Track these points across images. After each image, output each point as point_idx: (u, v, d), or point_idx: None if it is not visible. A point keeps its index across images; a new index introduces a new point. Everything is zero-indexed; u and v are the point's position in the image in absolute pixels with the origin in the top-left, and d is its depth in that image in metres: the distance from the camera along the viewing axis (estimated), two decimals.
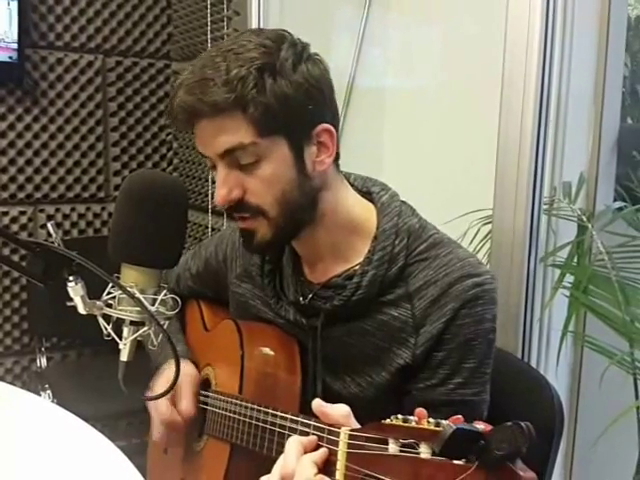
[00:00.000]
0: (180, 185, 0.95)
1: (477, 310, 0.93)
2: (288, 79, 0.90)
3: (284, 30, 0.96)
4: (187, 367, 1.12)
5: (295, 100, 0.90)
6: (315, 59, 0.95)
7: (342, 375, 1.00)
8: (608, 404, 1.35)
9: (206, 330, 1.23)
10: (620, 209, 1.55)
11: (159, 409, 1.10)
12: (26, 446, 0.94)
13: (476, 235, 1.56)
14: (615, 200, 1.63)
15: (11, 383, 1.17)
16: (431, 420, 0.62)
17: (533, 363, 1.38)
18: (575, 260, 1.45)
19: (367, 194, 1.04)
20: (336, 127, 0.96)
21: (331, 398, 0.98)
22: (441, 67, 1.84)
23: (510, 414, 1.02)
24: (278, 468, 0.75)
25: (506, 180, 1.44)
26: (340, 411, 0.75)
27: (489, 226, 1.54)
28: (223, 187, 0.93)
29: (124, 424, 2.09)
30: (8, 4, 2.33)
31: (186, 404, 1.09)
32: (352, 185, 1.04)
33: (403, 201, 1.04)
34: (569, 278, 1.43)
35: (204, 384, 1.14)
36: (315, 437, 0.78)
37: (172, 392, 1.10)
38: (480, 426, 0.58)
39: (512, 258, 1.37)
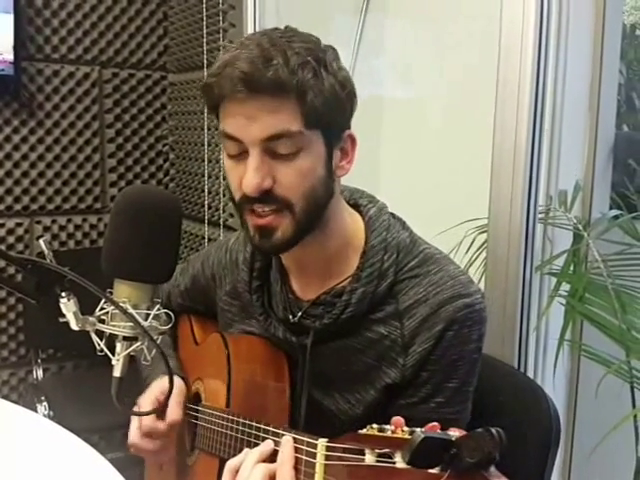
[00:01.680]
0: (174, 199, 0.94)
1: (464, 331, 0.92)
2: (336, 77, 0.89)
3: None
4: (176, 381, 1.10)
5: (341, 98, 0.89)
6: (339, 62, 0.93)
7: (332, 392, 0.99)
8: (605, 413, 1.35)
9: (196, 344, 1.22)
10: (616, 217, 1.55)
11: (142, 418, 1.08)
12: (18, 463, 0.93)
13: (472, 244, 1.56)
14: (611, 208, 1.63)
15: (7, 395, 1.17)
16: (406, 429, 0.62)
17: (530, 373, 1.37)
18: (571, 268, 1.44)
19: (355, 206, 1.02)
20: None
21: (321, 414, 0.99)
22: (437, 76, 1.84)
23: (506, 425, 1.01)
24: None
25: (501, 189, 1.44)
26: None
27: (485, 235, 1.54)
28: (257, 175, 0.87)
29: (120, 435, 2.09)
30: (4, 16, 2.34)
31: (170, 410, 1.07)
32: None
33: (392, 214, 1.02)
34: (565, 287, 1.43)
35: (195, 398, 1.13)
36: (270, 442, 0.81)
37: (161, 396, 1.10)
38: (454, 433, 0.58)
39: (508, 267, 1.37)
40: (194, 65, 2.57)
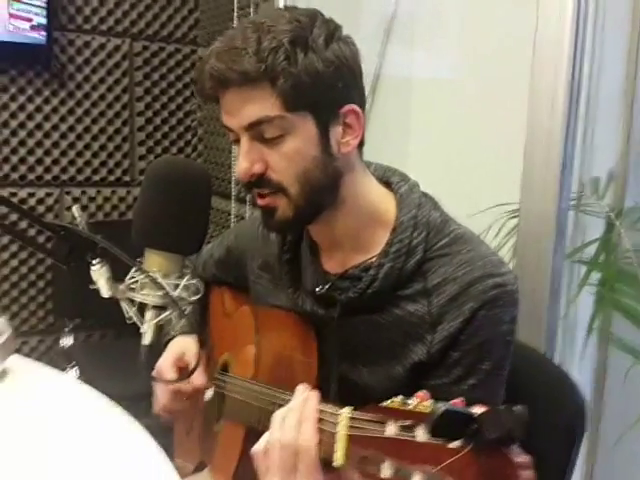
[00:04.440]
0: (204, 172, 0.94)
1: (496, 312, 0.91)
2: (320, 55, 0.88)
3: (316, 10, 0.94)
4: (194, 349, 1.15)
5: (325, 76, 0.88)
6: (347, 40, 0.93)
7: (358, 365, 0.99)
8: (632, 403, 1.33)
9: (227, 316, 1.24)
10: None
11: (165, 377, 1.12)
12: (51, 422, 0.95)
13: (501, 229, 1.54)
14: None
15: (36, 361, 1.18)
16: (427, 404, 0.61)
17: (556, 360, 1.36)
18: (602, 257, 1.42)
19: (387, 184, 1.01)
20: (363, 110, 0.94)
21: (347, 387, 0.98)
22: (470, 57, 1.81)
23: (531, 411, 1.01)
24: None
25: (534, 173, 1.42)
26: None
27: (514, 220, 1.52)
28: (245, 160, 0.91)
29: (147, 404, 2.12)
30: None
31: (195, 376, 1.11)
32: (372, 174, 1.02)
33: (424, 193, 1.01)
34: (596, 275, 1.41)
35: (223, 369, 1.15)
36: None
37: (183, 363, 1.13)
38: (476, 410, 0.57)
39: (538, 253, 1.35)
40: None
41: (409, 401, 0.64)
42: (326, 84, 0.89)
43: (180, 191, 0.85)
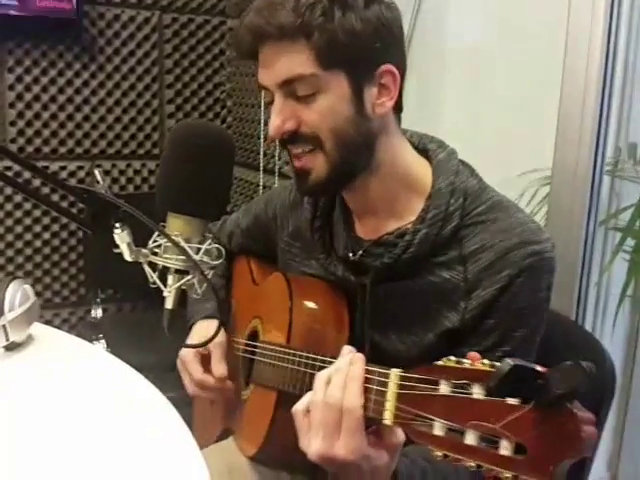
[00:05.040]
0: (226, 134, 0.93)
1: (534, 279, 0.89)
2: (358, 14, 0.87)
3: None
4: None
5: (362, 36, 0.88)
6: (389, 4, 0.92)
7: (388, 332, 0.98)
8: None
9: (254, 284, 1.23)
10: None
11: (190, 369, 1.14)
12: (72, 390, 0.96)
13: (534, 197, 1.51)
14: None
15: (67, 332, 1.20)
16: (486, 362, 0.60)
17: (588, 327, 1.34)
18: (637, 224, 1.38)
19: (423, 151, 1.00)
20: (402, 72, 0.93)
21: (376, 354, 0.97)
22: (504, 21, 1.76)
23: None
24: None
25: (568, 138, 1.38)
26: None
27: (547, 187, 1.49)
28: (278, 117, 0.91)
29: (174, 376, 2.15)
30: None
31: (217, 366, 1.12)
32: (409, 141, 1.00)
33: (462, 160, 0.99)
34: (630, 242, 1.37)
35: (252, 336, 1.14)
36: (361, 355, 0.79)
37: (205, 350, 1.14)
38: (540, 367, 0.57)
39: (571, 219, 1.32)
40: None
41: (463, 360, 0.63)
42: (363, 44, 0.88)
43: (201, 152, 0.84)
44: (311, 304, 1.03)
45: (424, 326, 0.95)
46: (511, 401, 0.57)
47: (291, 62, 0.88)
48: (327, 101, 0.89)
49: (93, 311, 2.42)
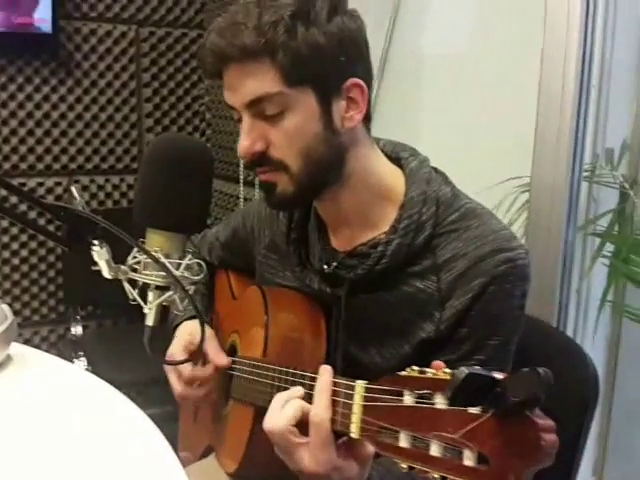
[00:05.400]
0: (203, 147, 0.93)
1: (506, 287, 0.89)
2: (321, 28, 0.86)
3: None
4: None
5: (326, 50, 0.87)
6: (352, 14, 0.91)
7: (366, 345, 0.98)
8: None
9: (234, 298, 1.23)
10: None
11: (178, 367, 1.10)
12: (52, 410, 0.95)
13: (513, 204, 1.52)
14: None
15: (46, 351, 1.18)
16: (447, 370, 0.60)
17: (569, 333, 1.34)
18: (616, 229, 1.40)
19: (396, 160, 0.99)
20: (368, 84, 0.92)
21: (354, 367, 0.97)
22: (481, 30, 1.78)
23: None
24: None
25: (546, 146, 1.39)
26: None
27: (526, 195, 1.50)
28: (246, 138, 0.90)
29: (157, 391, 2.12)
30: None
31: (215, 357, 1.09)
32: (382, 150, 1.00)
33: (435, 168, 0.99)
34: (609, 247, 1.39)
35: (231, 351, 1.14)
36: (300, 388, 0.81)
37: (193, 346, 1.12)
38: (498, 375, 0.56)
39: (550, 226, 1.33)
40: None
41: (426, 370, 0.63)
42: (328, 58, 0.87)
43: (179, 166, 0.83)
44: (287, 318, 1.02)
45: (400, 337, 0.95)
46: (471, 410, 0.56)
47: (257, 82, 0.87)
48: (295, 119, 0.88)
49: (73, 328, 2.39)
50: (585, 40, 1.36)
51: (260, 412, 0.96)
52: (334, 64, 0.88)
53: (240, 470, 1.02)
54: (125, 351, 2.22)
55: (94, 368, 2.12)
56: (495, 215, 0.96)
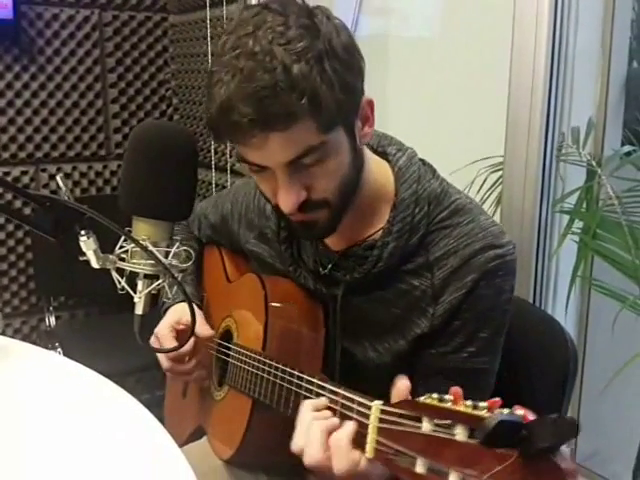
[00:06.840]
0: (188, 135, 0.92)
1: (496, 282, 0.91)
2: (339, 59, 0.81)
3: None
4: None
5: (352, 83, 0.84)
6: (335, 23, 0.85)
7: (361, 340, 1.00)
8: (617, 349, 1.36)
9: (228, 281, 1.23)
10: (629, 153, 1.53)
11: (165, 343, 1.11)
12: (40, 398, 0.95)
13: (484, 183, 1.55)
14: (623, 144, 1.61)
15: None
16: (468, 403, 0.60)
17: (547, 309, 1.38)
18: (584, 206, 1.44)
19: (383, 154, 1.00)
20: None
21: (350, 362, 1.00)
22: (450, 12, 1.80)
23: (526, 358, 1.03)
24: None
25: (518, 126, 1.42)
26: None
27: (497, 174, 1.53)
28: (290, 194, 0.85)
29: (133, 380, 2.12)
30: None
31: (202, 327, 1.11)
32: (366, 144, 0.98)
33: (423, 161, 1.00)
34: (578, 224, 1.42)
35: (225, 335, 1.14)
36: (325, 399, 0.80)
37: (180, 325, 1.14)
38: (520, 412, 0.56)
39: (523, 205, 1.36)
40: (195, 5, 2.51)
41: (445, 397, 0.62)
42: (353, 90, 0.85)
43: (164, 153, 0.82)
44: (287, 311, 1.02)
45: (396, 333, 0.96)
46: (498, 450, 0.56)
47: (300, 140, 0.81)
48: (335, 159, 0.86)
49: (46, 319, 2.37)
50: (555, 23, 1.39)
51: (259, 403, 0.98)
52: (355, 90, 0.85)
53: (235, 457, 1.04)
54: (99, 341, 2.21)
55: (70, 358, 2.10)
56: (484, 210, 0.98)
